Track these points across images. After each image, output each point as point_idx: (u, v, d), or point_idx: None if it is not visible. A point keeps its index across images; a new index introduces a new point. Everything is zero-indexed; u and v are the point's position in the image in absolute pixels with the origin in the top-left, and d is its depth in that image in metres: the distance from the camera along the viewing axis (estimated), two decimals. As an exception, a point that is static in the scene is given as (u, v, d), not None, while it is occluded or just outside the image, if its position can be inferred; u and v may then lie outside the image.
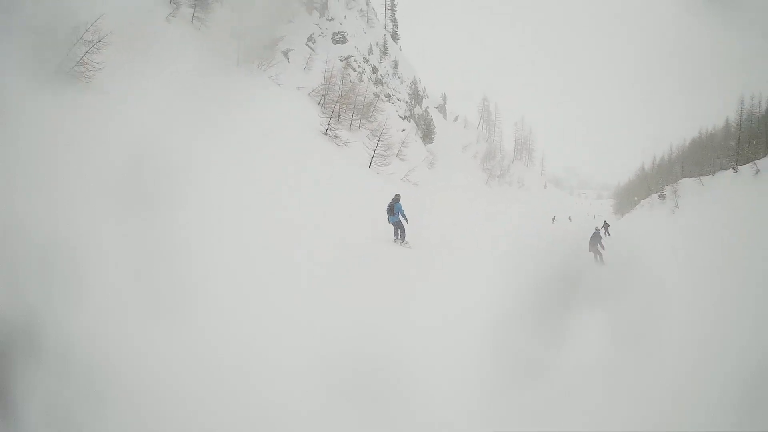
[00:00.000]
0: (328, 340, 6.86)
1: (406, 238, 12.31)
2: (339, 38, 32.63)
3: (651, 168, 44.52)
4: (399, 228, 12.27)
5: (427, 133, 37.02)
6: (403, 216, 12.30)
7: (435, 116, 42.32)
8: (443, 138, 40.10)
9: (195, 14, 20.68)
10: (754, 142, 29.37)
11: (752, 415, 5.25)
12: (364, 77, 32.59)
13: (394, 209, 12.25)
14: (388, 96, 34.50)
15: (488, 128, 52.24)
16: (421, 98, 40.68)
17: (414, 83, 39.68)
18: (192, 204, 8.77)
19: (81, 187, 8.30)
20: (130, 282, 7.55)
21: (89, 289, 7.05)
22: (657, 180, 38.89)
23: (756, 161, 26.59)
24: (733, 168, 28.57)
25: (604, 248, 15.06)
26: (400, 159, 28.16)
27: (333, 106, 24.66)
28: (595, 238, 15.25)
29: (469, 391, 6.04)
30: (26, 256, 7.34)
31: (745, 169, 27.45)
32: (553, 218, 35.85)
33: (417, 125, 37.11)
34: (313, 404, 5.76)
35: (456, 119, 48.74)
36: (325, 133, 22.45)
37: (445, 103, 48.09)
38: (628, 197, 45.36)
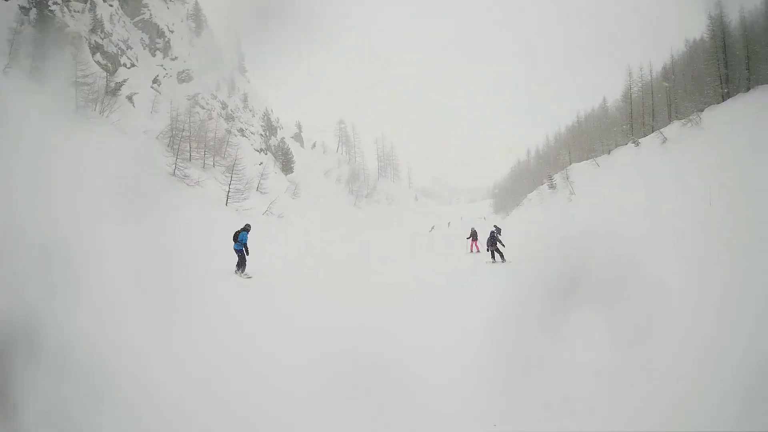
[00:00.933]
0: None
1: (246, 270, 12.24)
2: (184, 77, 32.19)
3: (528, 161, 43.64)
4: (240, 257, 12.24)
5: (286, 164, 37.15)
6: (245, 246, 12.28)
7: (292, 145, 42.48)
8: (303, 166, 40.39)
9: (33, 64, 19.78)
10: (648, 119, 28.43)
11: (752, 415, 5.20)
12: (214, 114, 32.26)
13: (237, 237, 12.34)
14: (241, 130, 34.42)
15: (348, 150, 53.11)
16: (276, 129, 40.96)
17: (266, 115, 39.90)
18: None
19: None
20: (130, 282, 7.69)
21: (89, 289, 7.18)
22: (540, 171, 37.57)
23: (661, 130, 25.04)
24: (633, 142, 27.17)
25: (504, 245, 16.35)
26: (261, 192, 28.12)
27: (182, 145, 24.03)
28: (492, 238, 16.32)
29: (469, 390, 6.08)
30: (26, 256, 6.99)
31: (650, 140, 25.90)
32: (432, 227, 36.26)
33: (275, 157, 37.20)
34: (313, 404, 5.80)
35: (314, 146, 49.39)
36: (173, 174, 21.82)
37: (300, 131, 48.54)
38: (508, 194, 43.95)
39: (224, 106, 34.47)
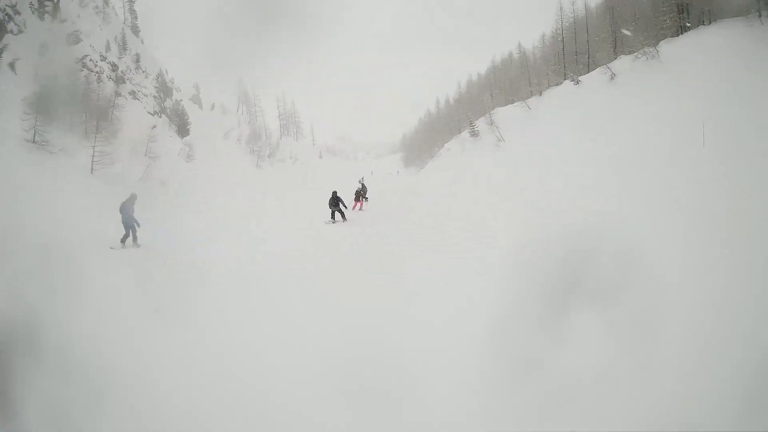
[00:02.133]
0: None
1: (138, 241, 12.26)
2: (72, 39, 30.83)
3: (438, 112, 41.64)
4: (127, 231, 12.08)
5: (182, 126, 36.61)
6: (135, 220, 12.06)
7: (190, 108, 41.39)
8: (201, 128, 39.25)
9: None
10: (582, 57, 26.12)
11: (753, 415, 5.06)
12: (103, 76, 31.20)
13: (121, 209, 12.08)
14: (133, 93, 33.47)
15: (248, 110, 52.18)
16: (171, 90, 39.99)
17: (160, 75, 38.80)
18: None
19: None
20: (130, 282, 7.64)
21: (89, 289, 7.06)
22: (458, 118, 35.16)
23: (609, 65, 22.40)
24: (572, 79, 24.51)
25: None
26: (150, 157, 27.98)
27: (61, 111, 23.16)
28: (334, 198, 17.16)
29: (469, 391, 5.99)
30: (26, 256, 6.02)
31: (593, 77, 23.31)
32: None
33: (170, 119, 36.45)
34: (313, 404, 5.71)
35: (213, 107, 48.31)
36: (33, 141, 20.17)
37: (198, 93, 47.24)
38: (422, 146, 42.18)
39: (114, 67, 33.42)
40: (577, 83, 24.31)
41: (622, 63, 22.01)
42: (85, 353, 5.82)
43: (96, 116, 26.14)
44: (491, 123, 27.81)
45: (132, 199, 12.38)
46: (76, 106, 24.85)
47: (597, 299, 7.11)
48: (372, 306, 8.00)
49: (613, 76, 21.56)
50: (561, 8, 28.36)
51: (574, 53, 27.59)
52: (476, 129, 29.63)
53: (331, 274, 10.78)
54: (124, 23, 38.97)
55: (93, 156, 21.58)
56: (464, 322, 7.52)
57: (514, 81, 32.21)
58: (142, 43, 40.08)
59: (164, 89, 38.69)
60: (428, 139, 41.97)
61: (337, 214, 17.74)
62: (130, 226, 12.11)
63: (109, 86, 30.44)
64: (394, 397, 5.78)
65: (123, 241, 12.09)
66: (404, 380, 6.08)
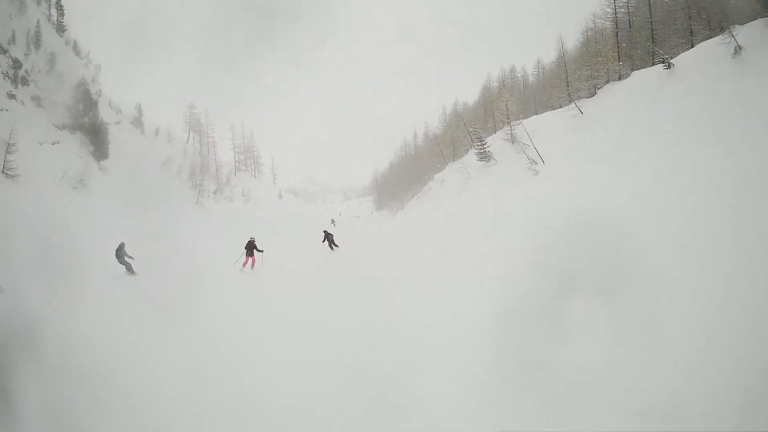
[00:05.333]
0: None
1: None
2: None
3: (416, 142, 33.07)
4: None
5: (99, 146, 30.46)
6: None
7: (128, 131, 36.47)
8: (137, 154, 33.66)
9: None
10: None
11: (754, 414, 5.02)
12: (-2, 72, 25.92)
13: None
14: (37, 98, 28.15)
15: (201, 140, 44.97)
16: (95, 104, 33.70)
17: (83, 85, 32.71)
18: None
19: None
20: (130, 283, 6.54)
21: (88, 289, 7.04)
22: (451, 141, 27.13)
23: (671, 59, 16.23)
24: (663, 62, 16.58)
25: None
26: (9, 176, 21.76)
27: None
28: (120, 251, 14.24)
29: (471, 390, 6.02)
30: (26, 257, 5.94)
31: (691, 56, 15.92)
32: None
33: (88, 137, 30.58)
34: (315, 404, 5.79)
35: (157, 132, 42.00)
36: None
37: (141, 115, 40.98)
38: (397, 184, 33.78)
39: (17, 64, 28.14)
40: (669, 67, 16.33)
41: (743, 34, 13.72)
42: (85, 353, 5.88)
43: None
44: (512, 139, 19.88)
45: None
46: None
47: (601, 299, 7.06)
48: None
49: (738, 51, 13.49)
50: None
51: (632, 42, 20.03)
52: (487, 150, 21.46)
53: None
54: (47, 18, 33.13)
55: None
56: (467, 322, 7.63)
57: (541, 89, 25.13)
58: (66, 44, 34.18)
59: (86, 101, 32.34)
60: (405, 175, 33.03)
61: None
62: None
63: (3, 85, 25.25)
64: (397, 397, 5.81)
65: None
66: (406, 381, 6.11)
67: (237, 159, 47.59)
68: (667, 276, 7.64)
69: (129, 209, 22.73)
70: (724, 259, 7.91)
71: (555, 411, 5.70)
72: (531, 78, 28.58)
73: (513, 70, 28.98)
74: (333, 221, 23.62)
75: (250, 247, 17.18)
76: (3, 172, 20.85)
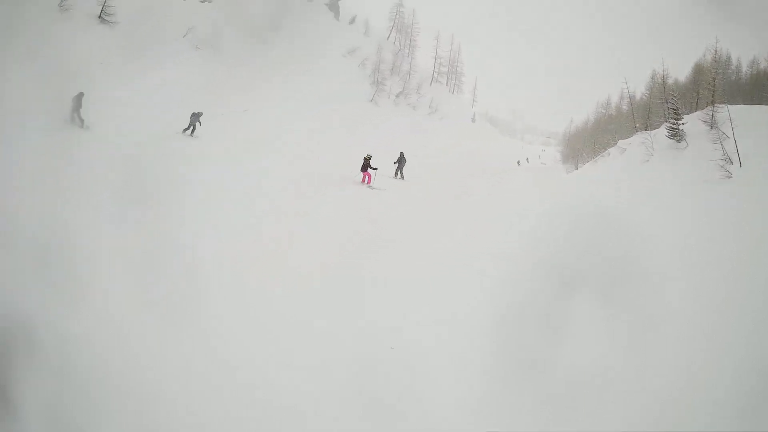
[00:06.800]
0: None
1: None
2: None
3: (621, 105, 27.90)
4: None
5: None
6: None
7: (321, 13, 34.20)
8: (316, 40, 30.94)
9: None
10: None
11: (753, 415, 5.05)
12: None
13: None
14: None
15: (400, 39, 40.24)
16: None
17: None
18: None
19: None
20: (129, 283, 7.45)
21: (88, 290, 6.93)
22: (649, 109, 22.36)
23: None
24: None
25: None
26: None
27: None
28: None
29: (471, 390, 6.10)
30: (26, 257, 6.27)
31: None
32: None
33: None
34: (315, 403, 5.83)
35: (353, 20, 38.03)
36: None
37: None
38: (586, 141, 30.51)
39: None
40: None
41: None
42: (85, 354, 5.84)
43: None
44: (712, 124, 15.51)
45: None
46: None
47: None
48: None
49: None
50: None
51: None
52: (681, 128, 17.22)
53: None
54: None
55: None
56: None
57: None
58: None
59: None
60: (595, 135, 29.30)
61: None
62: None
63: None
64: (397, 397, 5.89)
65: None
66: (407, 381, 6.20)
67: (437, 70, 41.60)
68: (667, 276, 7.70)
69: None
70: (724, 259, 8.05)
71: (555, 411, 5.71)
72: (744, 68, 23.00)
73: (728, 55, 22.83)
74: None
75: (366, 165, 17.83)
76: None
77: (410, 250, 11.41)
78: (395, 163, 19.38)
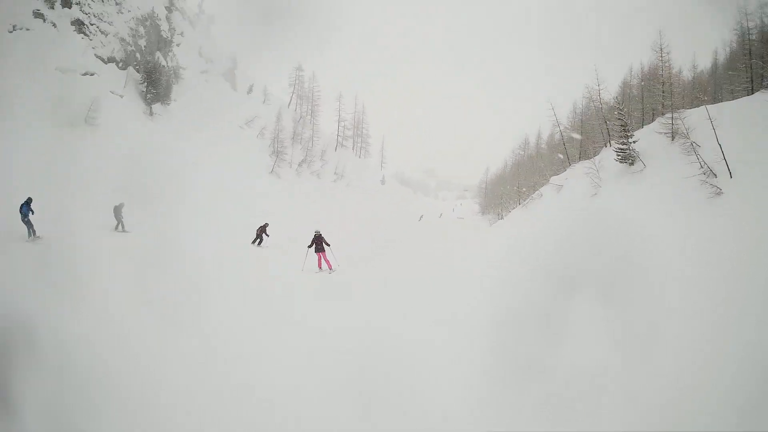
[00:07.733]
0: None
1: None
2: None
3: (538, 144, 28.18)
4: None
5: (159, 87, 26.84)
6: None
7: (220, 86, 33.31)
8: (216, 110, 29.69)
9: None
10: None
11: (754, 415, 4.96)
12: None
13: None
14: (79, 24, 24.53)
15: (301, 104, 39.45)
16: (167, 43, 30.15)
17: (152, 18, 28.90)
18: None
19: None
20: (130, 284, 7.58)
21: (88, 291, 7.08)
22: (583, 138, 21.40)
23: None
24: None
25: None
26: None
27: None
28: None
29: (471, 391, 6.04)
30: (25, 258, 5.90)
31: None
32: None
33: (142, 74, 27.13)
34: (316, 403, 5.80)
35: (251, 90, 36.77)
36: None
37: (235, 67, 36.29)
38: (505, 187, 29.75)
39: None
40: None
41: None
42: (85, 354, 5.86)
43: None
44: (673, 134, 13.08)
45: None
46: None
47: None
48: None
49: None
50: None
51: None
52: (631, 147, 14.49)
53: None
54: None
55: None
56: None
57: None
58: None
59: (154, 36, 28.78)
60: (518, 178, 28.56)
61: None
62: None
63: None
64: (397, 397, 5.86)
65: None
66: (407, 381, 6.15)
67: (341, 134, 40.73)
68: (668, 276, 7.56)
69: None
70: (724, 259, 7.73)
71: (555, 411, 5.67)
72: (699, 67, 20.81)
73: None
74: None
75: (318, 244, 14.39)
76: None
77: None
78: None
